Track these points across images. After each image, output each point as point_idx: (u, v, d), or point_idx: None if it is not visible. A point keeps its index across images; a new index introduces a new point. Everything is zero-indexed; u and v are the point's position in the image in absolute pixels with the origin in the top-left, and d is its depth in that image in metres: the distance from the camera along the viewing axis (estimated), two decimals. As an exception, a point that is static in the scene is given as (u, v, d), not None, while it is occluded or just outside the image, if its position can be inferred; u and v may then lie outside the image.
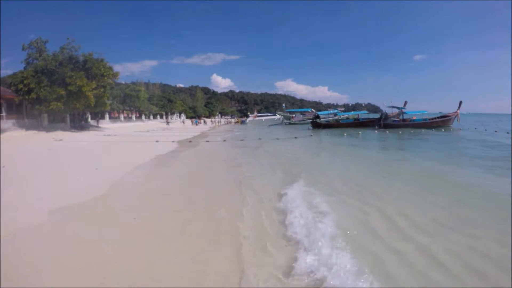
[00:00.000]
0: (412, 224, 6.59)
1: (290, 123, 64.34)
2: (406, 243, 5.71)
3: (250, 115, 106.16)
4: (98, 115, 51.09)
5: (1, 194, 8.11)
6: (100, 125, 45.41)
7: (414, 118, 43.42)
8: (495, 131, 35.05)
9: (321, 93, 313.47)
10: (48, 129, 32.17)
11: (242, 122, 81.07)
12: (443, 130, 38.34)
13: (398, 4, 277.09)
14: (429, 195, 9.18)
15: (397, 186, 10.27)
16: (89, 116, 46.82)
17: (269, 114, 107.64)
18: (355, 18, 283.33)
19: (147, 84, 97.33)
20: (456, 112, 42.93)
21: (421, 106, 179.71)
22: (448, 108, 43.59)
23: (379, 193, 9.26)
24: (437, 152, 19.51)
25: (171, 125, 63.73)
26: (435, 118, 44.10)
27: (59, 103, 32.73)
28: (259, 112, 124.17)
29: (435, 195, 9.14)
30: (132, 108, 68.84)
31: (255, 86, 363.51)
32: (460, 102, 42.90)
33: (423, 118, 44.07)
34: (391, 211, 7.39)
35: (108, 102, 44.67)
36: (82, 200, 8.18)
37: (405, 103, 44.06)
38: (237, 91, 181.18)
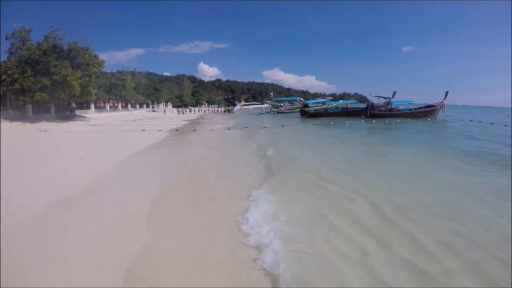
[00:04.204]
0: (397, 210, 6.81)
1: (278, 112, 64.26)
2: (390, 228, 5.92)
3: (237, 104, 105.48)
4: (84, 105, 50.13)
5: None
6: (85, 114, 44.62)
7: (400, 108, 43.91)
8: (491, 123, 35.72)
9: (309, 82, 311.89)
10: (32, 120, 31.41)
11: (229, 111, 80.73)
12: (429, 119, 38.92)
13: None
14: (415, 182, 9.47)
15: (381, 173, 10.53)
16: (74, 106, 45.85)
17: (256, 103, 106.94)
18: (344, 8, 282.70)
19: (133, 73, 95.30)
20: (442, 102, 43.39)
21: (409, 96, 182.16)
22: (436, 99, 44.13)
23: (363, 180, 9.51)
24: (420, 141, 20.22)
25: (157, 114, 63.00)
26: (420, 108, 44.63)
27: (43, 94, 31.97)
28: (246, 101, 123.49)
29: (419, 182, 9.45)
30: (118, 98, 67.73)
31: (242, 75, 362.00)
32: (446, 93, 43.32)
33: (409, 108, 44.67)
34: (376, 198, 7.60)
35: (94, 91, 43.68)
36: (75, 192, 8.02)
37: (394, 93, 44.42)
38: (224, 79, 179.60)
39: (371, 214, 6.70)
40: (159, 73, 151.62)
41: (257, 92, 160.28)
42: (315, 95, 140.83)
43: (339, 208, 7.06)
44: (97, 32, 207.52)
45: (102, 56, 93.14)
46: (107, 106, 60.19)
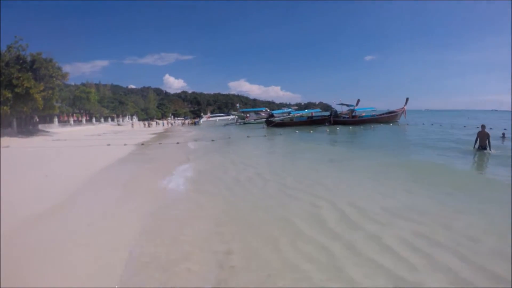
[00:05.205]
0: (362, 214, 6.96)
1: (244, 123, 64.38)
2: (355, 232, 6.03)
3: (203, 116, 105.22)
4: (47, 119, 48.43)
5: None
6: (48, 129, 43.34)
7: (363, 114, 45.66)
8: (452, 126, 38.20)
9: (274, 92, 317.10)
10: (-7, 135, 30.19)
11: (196, 123, 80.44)
12: (391, 124, 40.62)
13: (350, 6, 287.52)
14: (378, 186, 9.69)
15: (346, 179, 10.83)
16: (37, 120, 44.43)
17: (222, 114, 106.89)
18: (308, 19, 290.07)
19: (97, 85, 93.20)
20: (402, 108, 45.61)
21: (373, 103, 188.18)
22: (399, 105, 46.39)
23: (329, 186, 9.67)
24: (381, 146, 20.80)
25: (122, 127, 61.90)
26: (382, 114, 46.57)
27: (5, 107, 30.41)
28: (212, 112, 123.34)
29: (383, 185, 9.69)
30: (82, 111, 66.34)
31: (208, 87, 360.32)
32: (407, 99, 45.77)
33: (371, 114, 46.46)
34: (341, 203, 7.72)
35: (57, 105, 42.13)
36: (39, 211, 7.59)
37: (358, 101, 46.39)
38: (190, 91, 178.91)
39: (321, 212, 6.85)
40: (124, 86, 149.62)
41: (223, 104, 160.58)
42: (281, 105, 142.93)
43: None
44: (60, 42, 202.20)
45: (66, 68, 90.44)
46: (71, 120, 58.45)
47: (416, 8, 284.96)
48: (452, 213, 6.96)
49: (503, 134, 23.48)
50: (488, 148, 15.69)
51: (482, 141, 15.90)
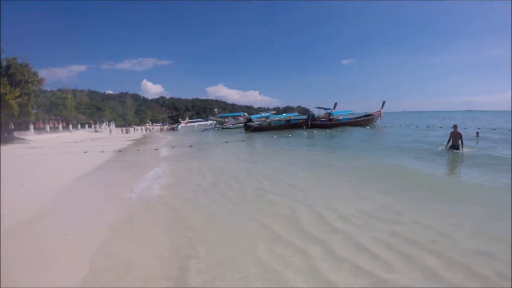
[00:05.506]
0: (339, 217, 7.00)
1: (223, 128, 64.52)
2: (333, 235, 6.04)
3: (181, 121, 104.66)
4: (22, 126, 47.24)
5: None
6: (24, 136, 42.40)
7: (341, 117, 46.49)
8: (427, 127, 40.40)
9: (252, 97, 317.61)
10: (-34, 143, 29.19)
11: (174, 129, 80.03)
12: (368, 127, 41.51)
13: (328, 10, 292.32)
14: (355, 188, 9.77)
15: (323, 182, 10.92)
16: (13, 127, 43.38)
17: (201, 119, 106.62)
18: (286, 23, 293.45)
19: (74, 91, 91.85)
20: (379, 111, 46.72)
21: (351, 106, 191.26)
22: (376, 107, 47.57)
23: (306, 190, 9.72)
24: (357, 149, 21.10)
25: (100, 134, 60.96)
26: (359, 117, 47.55)
27: None
28: (190, 118, 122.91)
29: (360, 188, 9.78)
30: (58, 118, 65.27)
31: (186, 92, 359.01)
32: (383, 102, 47.08)
33: (348, 117, 47.34)
34: (318, 206, 7.78)
35: (33, 111, 41.39)
36: (15, 221, 7.37)
37: (335, 104, 47.16)
38: (168, 97, 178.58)
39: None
40: (102, 91, 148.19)
41: (201, 109, 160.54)
42: (259, 110, 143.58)
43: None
44: (36, 47, 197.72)
45: (42, 73, 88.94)
46: (47, 127, 57.22)
47: (393, 12, 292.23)
48: (425, 213, 7.14)
49: (477, 133, 24.92)
50: (460, 148, 16.24)
51: (455, 141, 16.48)
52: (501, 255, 4.95)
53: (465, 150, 16.36)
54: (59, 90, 77.52)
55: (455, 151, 16.31)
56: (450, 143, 16.73)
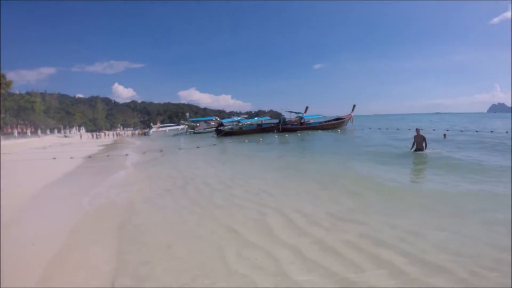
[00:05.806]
0: (308, 220, 7.05)
1: (194, 133, 63.95)
2: (301, 238, 6.09)
3: (153, 126, 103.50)
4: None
5: None
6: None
7: (311, 121, 47.11)
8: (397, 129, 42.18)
9: (225, 101, 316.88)
10: None
11: (145, 134, 79.09)
12: (338, 131, 42.19)
13: (299, 15, 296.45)
14: (323, 191, 9.93)
15: (292, 186, 11.02)
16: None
17: (172, 124, 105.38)
18: (258, 27, 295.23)
19: (43, 95, 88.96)
20: (349, 114, 47.64)
21: (321, 110, 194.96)
22: (347, 111, 48.51)
23: (275, 194, 9.76)
24: (326, 153, 21.26)
25: (69, 139, 59.50)
26: (330, 121, 48.30)
27: None
28: (162, 122, 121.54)
29: (328, 190, 9.99)
30: (27, 122, 63.48)
31: (158, 96, 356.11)
32: (354, 106, 47.90)
33: (319, 121, 48.01)
34: (287, 210, 7.84)
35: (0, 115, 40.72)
36: None
37: (306, 108, 47.72)
38: (139, 101, 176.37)
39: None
40: (72, 95, 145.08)
41: (173, 113, 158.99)
42: (231, 114, 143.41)
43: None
44: (4, 47, 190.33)
45: (10, 76, 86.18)
46: (15, 132, 55.30)
47: (363, 17, 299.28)
48: (391, 213, 7.34)
49: (444, 135, 25.93)
50: (424, 150, 16.81)
51: (419, 144, 17.00)
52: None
53: (428, 151, 16.89)
54: (28, 93, 75.14)
55: (419, 152, 16.81)
56: (415, 147, 17.18)
